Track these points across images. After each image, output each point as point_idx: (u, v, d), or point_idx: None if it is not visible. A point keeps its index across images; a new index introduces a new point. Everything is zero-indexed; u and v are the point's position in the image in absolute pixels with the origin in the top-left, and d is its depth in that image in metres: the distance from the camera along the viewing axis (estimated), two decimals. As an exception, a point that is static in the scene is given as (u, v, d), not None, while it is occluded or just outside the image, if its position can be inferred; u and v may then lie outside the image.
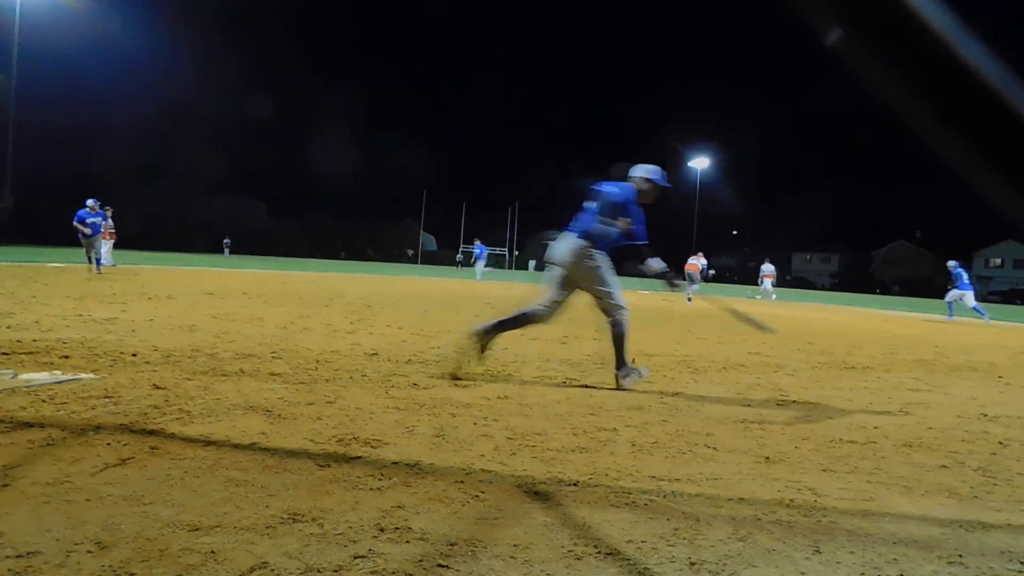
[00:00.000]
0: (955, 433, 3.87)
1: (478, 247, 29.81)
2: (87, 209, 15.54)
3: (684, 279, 19.72)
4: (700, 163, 65.41)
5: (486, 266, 29.90)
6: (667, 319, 12.43)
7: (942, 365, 7.34)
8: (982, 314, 17.32)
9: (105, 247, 18.44)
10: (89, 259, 15.47)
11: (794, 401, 4.59)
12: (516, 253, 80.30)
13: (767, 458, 3.10)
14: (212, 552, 1.74)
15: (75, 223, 15.18)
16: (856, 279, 76.60)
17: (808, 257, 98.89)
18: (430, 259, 79.35)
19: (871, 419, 4.12)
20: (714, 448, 3.22)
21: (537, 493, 2.40)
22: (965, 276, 17.62)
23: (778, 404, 4.46)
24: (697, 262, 22.89)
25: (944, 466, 3.13)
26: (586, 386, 4.69)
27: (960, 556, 2.06)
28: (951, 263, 18.05)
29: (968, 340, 11.53)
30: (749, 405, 4.36)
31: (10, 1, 33.08)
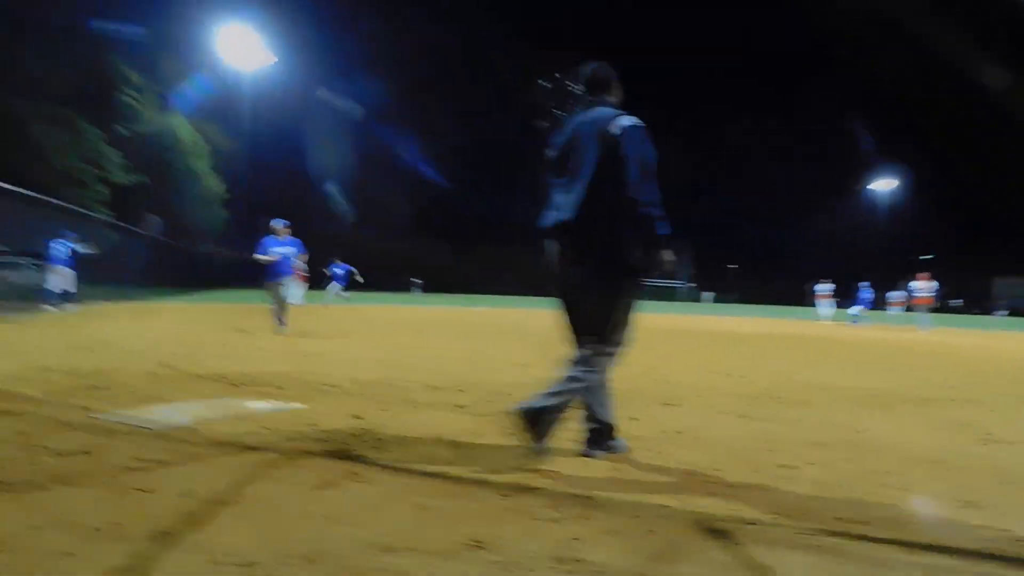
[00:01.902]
0: None
1: (338, 266, 23.91)
2: (272, 235, 10.66)
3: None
4: (886, 184, 60.39)
5: (343, 290, 23.82)
6: (848, 349, 11.43)
7: None
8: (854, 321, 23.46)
9: (298, 290, 16.74)
10: (280, 316, 10.45)
11: (999, 440, 4.03)
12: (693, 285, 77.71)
13: (968, 502, 2.75)
14: (403, 573, 1.87)
15: (257, 255, 10.55)
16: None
17: (1015, 282, 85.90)
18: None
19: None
20: (907, 489, 2.92)
21: (714, 530, 2.31)
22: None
23: (980, 442, 3.94)
24: (928, 291, 20.28)
25: None
26: (763, 420, 4.45)
27: None
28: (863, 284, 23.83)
29: None
30: (947, 443, 3.89)
31: (241, 78, 38.26)
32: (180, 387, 4.89)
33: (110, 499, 2.39)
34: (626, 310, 3.20)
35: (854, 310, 23.84)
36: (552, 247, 3.28)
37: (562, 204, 3.19)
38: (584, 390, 3.20)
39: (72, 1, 28.20)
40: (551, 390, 3.14)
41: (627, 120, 3.06)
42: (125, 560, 1.86)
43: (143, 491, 2.49)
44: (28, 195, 14.65)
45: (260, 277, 10.84)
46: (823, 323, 24.00)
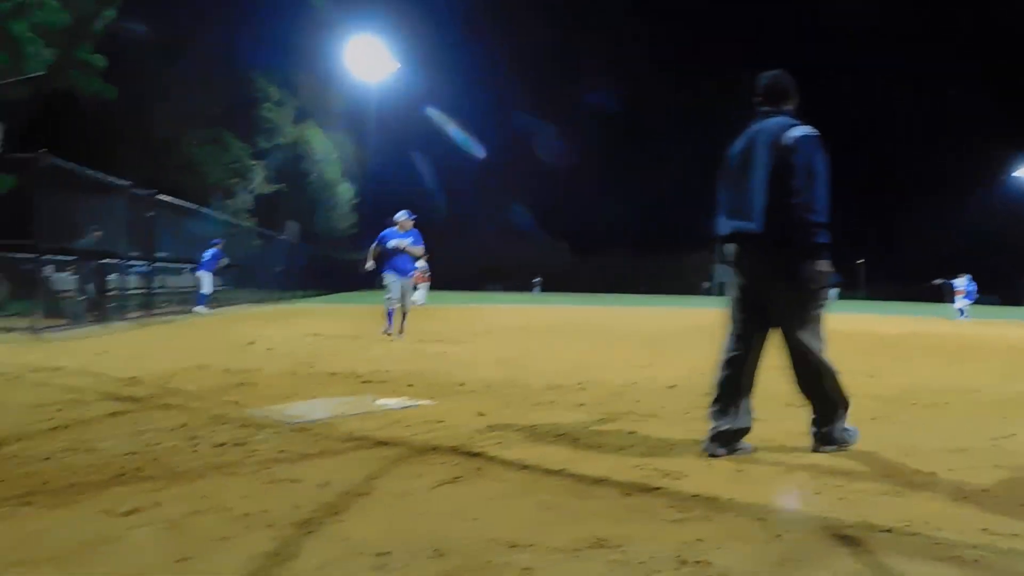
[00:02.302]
0: None
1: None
2: (394, 228, 9.51)
3: None
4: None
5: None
6: (990, 349, 10.41)
7: None
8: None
9: (421, 289, 18.20)
10: (390, 315, 9.51)
11: None
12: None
13: None
14: (527, 569, 1.90)
15: (373, 247, 9.69)
16: None
17: None
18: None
19: None
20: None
21: (845, 537, 2.20)
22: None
23: None
24: None
25: None
26: (897, 424, 4.16)
27: None
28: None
29: None
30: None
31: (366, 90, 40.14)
32: (318, 384, 5.21)
33: (259, 488, 2.60)
34: (812, 312, 3.27)
35: (960, 304, 23.03)
36: (729, 252, 3.37)
37: (740, 211, 3.30)
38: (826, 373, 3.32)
39: (217, 25, 30.62)
40: (821, 394, 3.32)
41: (800, 130, 3.17)
42: (272, 546, 2.02)
43: (287, 481, 2.68)
44: (185, 206, 16.09)
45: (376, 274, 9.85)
46: (961, 321, 22.03)
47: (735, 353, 3.37)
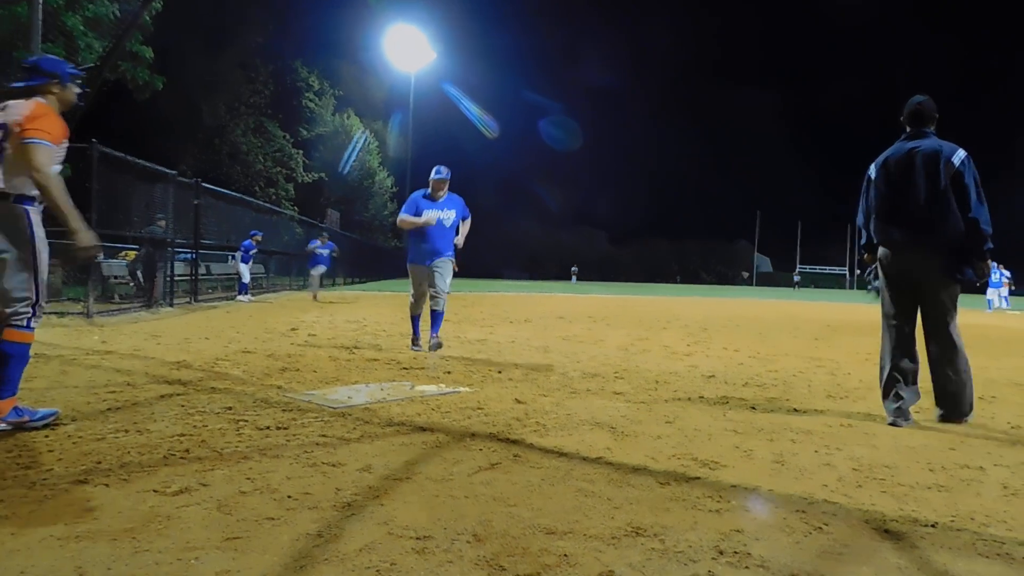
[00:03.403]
0: None
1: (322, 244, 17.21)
2: (425, 192, 6.81)
3: None
4: None
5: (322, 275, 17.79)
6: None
7: None
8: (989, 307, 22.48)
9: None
10: (415, 321, 6.83)
11: None
12: (857, 273, 72.05)
13: None
14: (565, 555, 1.92)
15: (407, 217, 6.66)
16: None
17: None
18: (765, 281, 76.03)
19: None
20: None
21: (888, 531, 2.17)
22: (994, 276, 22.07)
23: None
24: None
25: None
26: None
27: None
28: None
29: None
30: None
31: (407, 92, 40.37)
32: (358, 371, 5.29)
33: (302, 471, 2.66)
34: (956, 306, 3.84)
35: (991, 295, 23.12)
36: (886, 254, 3.91)
37: (902, 218, 3.80)
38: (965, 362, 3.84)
39: (260, 18, 31.05)
40: (952, 380, 3.81)
41: (962, 152, 3.69)
42: (316, 527, 2.08)
43: (329, 465, 2.74)
44: (229, 194, 16.42)
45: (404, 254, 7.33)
46: (997, 312, 21.36)
47: (899, 341, 3.91)
